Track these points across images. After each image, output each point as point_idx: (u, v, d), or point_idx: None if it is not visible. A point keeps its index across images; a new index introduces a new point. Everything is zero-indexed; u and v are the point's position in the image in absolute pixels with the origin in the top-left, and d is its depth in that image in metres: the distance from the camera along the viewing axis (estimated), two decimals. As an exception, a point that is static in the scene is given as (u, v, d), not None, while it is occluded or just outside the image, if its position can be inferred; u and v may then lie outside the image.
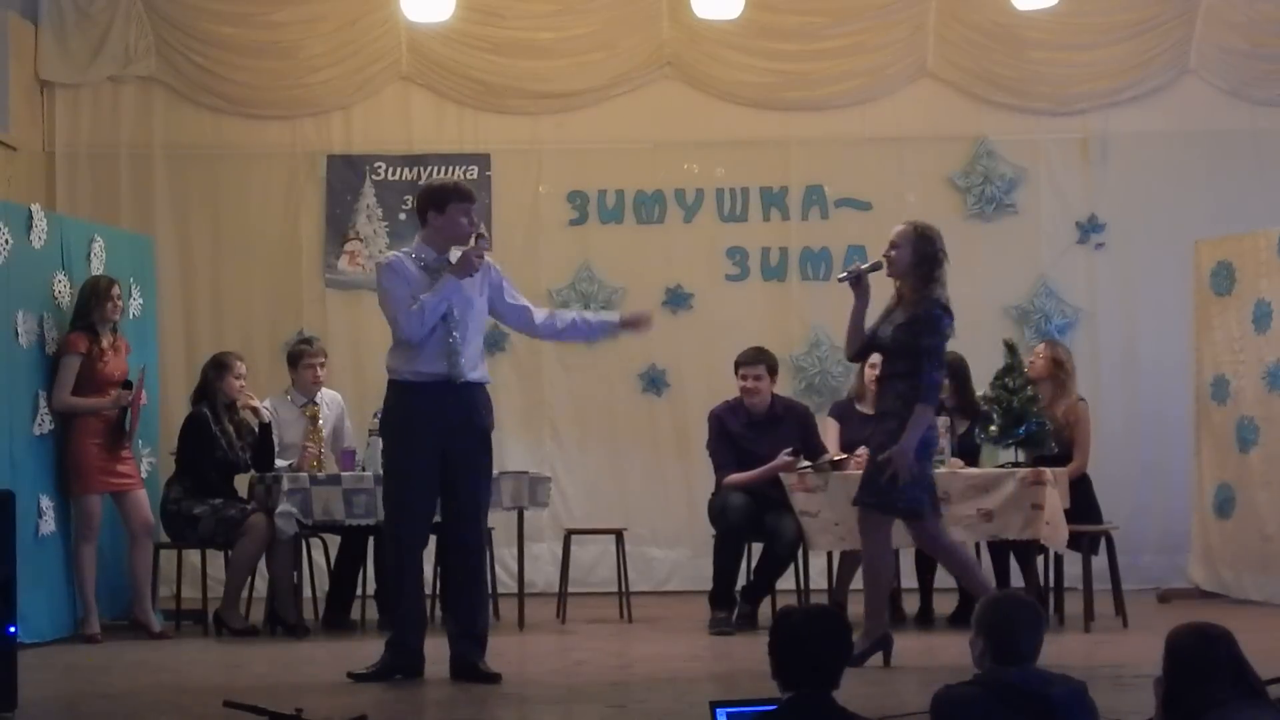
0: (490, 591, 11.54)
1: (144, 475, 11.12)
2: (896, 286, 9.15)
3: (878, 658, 8.95)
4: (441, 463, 8.53)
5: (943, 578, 11.30)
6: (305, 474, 10.82)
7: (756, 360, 11.19)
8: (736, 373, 11.19)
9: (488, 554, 9.25)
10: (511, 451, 13.20)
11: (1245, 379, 12.24)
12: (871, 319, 9.19)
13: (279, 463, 11.15)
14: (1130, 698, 7.05)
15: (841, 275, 9.39)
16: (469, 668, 8.51)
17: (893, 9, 13.72)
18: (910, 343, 8.92)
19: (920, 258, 9.03)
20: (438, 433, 8.52)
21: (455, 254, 8.65)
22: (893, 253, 9.05)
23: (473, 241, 8.71)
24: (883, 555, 9.22)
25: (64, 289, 10.75)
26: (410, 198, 13.58)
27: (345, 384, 12.59)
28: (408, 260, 8.68)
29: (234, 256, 13.66)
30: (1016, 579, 11.02)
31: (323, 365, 11.73)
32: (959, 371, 11.36)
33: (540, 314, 9.07)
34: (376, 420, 11.33)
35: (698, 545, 12.38)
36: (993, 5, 13.30)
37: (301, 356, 11.63)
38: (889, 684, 8.36)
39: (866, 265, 9.35)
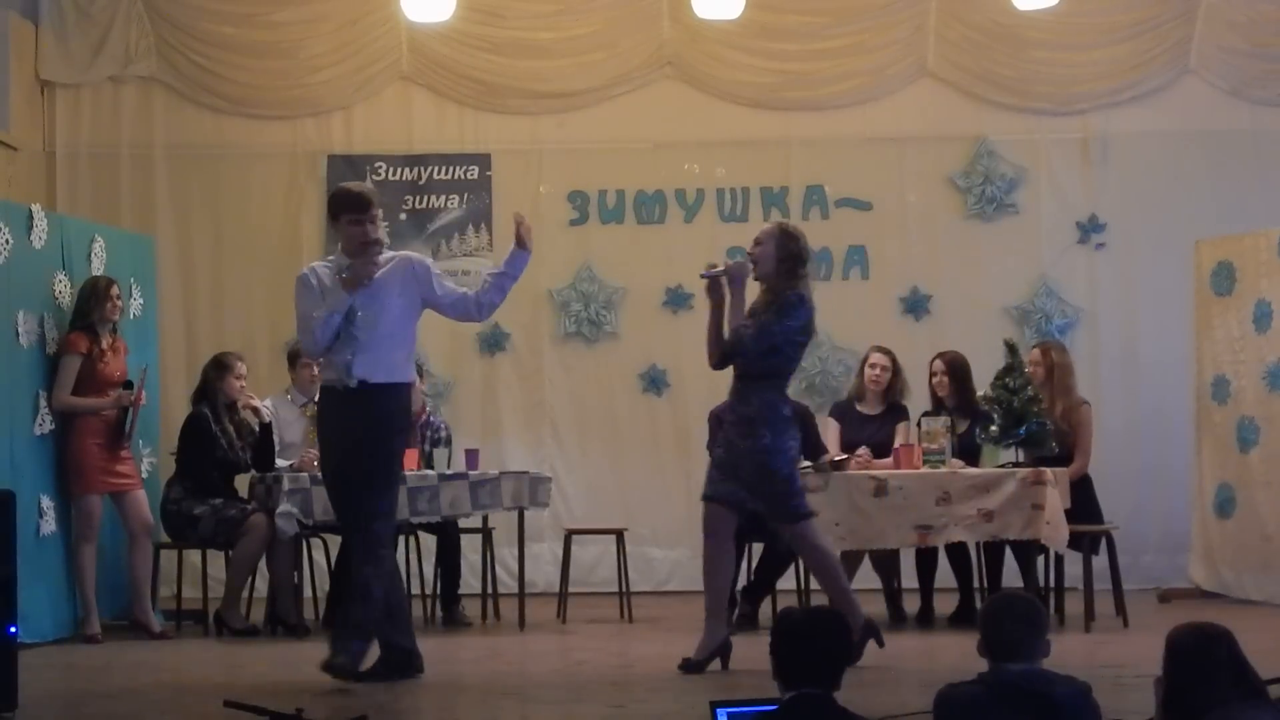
0: (490, 590, 11.61)
1: (144, 475, 11.12)
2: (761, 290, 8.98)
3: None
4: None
5: (943, 578, 11.32)
6: (306, 474, 10.81)
7: None
8: None
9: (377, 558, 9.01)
10: (512, 451, 13.22)
11: (1246, 379, 12.24)
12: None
13: (279, 463, 11.15)
14: (1131, 698, 7.05)
15: (702, 273, 9.23)
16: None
17: (893, 9, 13.72)
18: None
19: (785, 255, 8.89)
20: (337, 437, 8.57)
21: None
22: (756, 249, 8.95)
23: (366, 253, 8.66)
24: (726, 556, 9.16)
25: (65, 289, 10.75)
26: (411, 198, 13.62)
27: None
28: (323, 270, 8.66)
29: (235, 256, 13.66)
30: (1015, 579, 11.01)
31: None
32: (959, 371, 11.37)
33: (473, 292, 8.93)
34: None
35: (698, 545, 12.30)
36: (993, 5, 13.30)
37: (299, 355, 11.63)
38: (889, 684, 8.35)
39: (721, 269, 9.12)
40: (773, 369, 8.90)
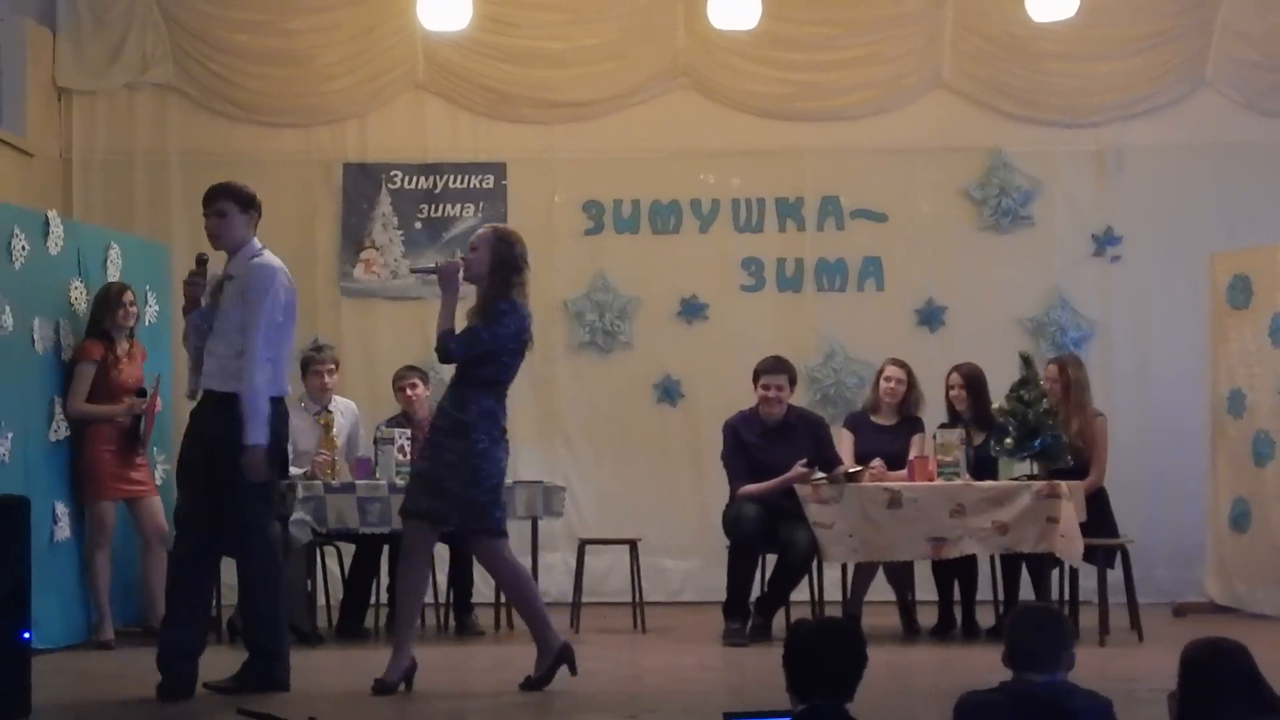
0: (503, 600, 11.59)
1: (158, 482, 11.13)
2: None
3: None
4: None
5: (960, 590, 11.29)
6: (319, 482, 10.82)
7: (778, 370, 11.15)
8: (757, 381, 11.14)
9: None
10: (525, 461, 13.20)
11: (1261, 392, 12.21)
12: None
13: (293, 470, 11.15)
14: (1145, 712, 7.04)
15: (412, 268, 9.19)
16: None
17: (908, 20, 13.71)
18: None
19: (499, 261, 8.61)
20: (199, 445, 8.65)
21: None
22: (471, 254, 8.71)
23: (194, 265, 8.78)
24: (423, 579, 8.90)
25: (80, 296, 10.78)
26: (426, 206, 13.63)
27: (360, 393, 12.59)
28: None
29: (249, 264, 13.64)
30: (1029, 593, 10.99)
31: (331, 373, 11.73)
32: (976, 384, 11.36)
33: None
34: (382, 429, 11.41)
35: (711, 556, 12.36)
36: (1008, 17, 13.29)
37: (311, 363, 11.65)
38: (903, 697, 8.34)
39: (432, 267, 9.12)
40: (489, 376, 8.61)
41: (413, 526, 8.64)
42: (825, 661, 4.86)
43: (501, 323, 8.52)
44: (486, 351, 8.53)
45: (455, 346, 8.51)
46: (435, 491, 8.51)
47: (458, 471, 8.47)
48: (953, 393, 11.39)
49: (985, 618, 11.20)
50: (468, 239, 13.37)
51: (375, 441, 11.46)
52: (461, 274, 8.63)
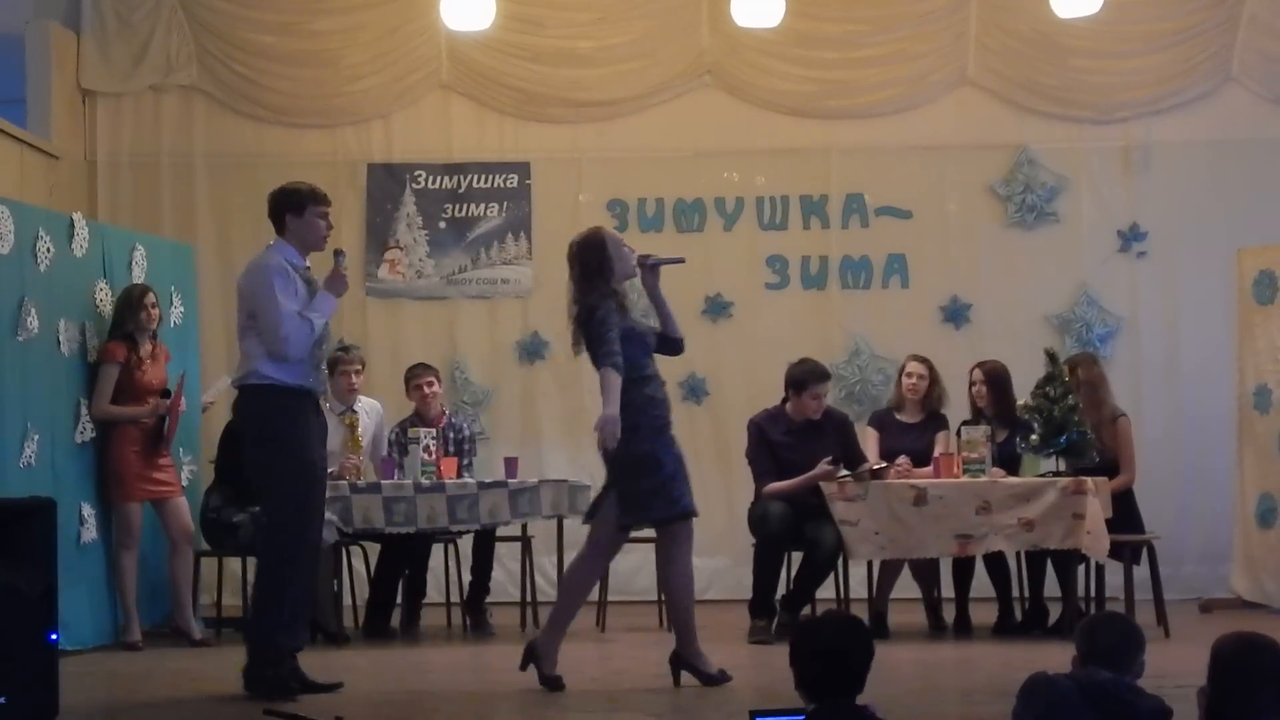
0: (529, 599, 11.60)
1: (185, 483, 11.16)
2: None
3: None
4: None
5: (980, 588, 11.26)
6: (345, 482, 10.83)
7: (823, 378, 11.10)
8: (802, 389, 11.01)
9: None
10: (551, 459, 13.22)
11: (1288, 388, 12.18)
12: None
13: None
14: (1173, 708, 7.01)
15: (656, 260, 9.20)
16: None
17: (933, 17, 13.69)
18: None
19: None
20: (317, 441, 8.59)
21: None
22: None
23: (334, 260, 8.75)
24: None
25: (105, 297, 10.80)
26: (451, 206, 13.63)
27: (386, 393, 12.59)
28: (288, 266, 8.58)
29: (275, 265, 13.66)
30: (1056, 589, 10.96)
31: (358, 373, 11.74)
32: (999, 380, 11.34)
33: None
34: (402, 433, 11.42)
35: (737, 554, 12.37)
36: (1034, 13, 13.26)
37: (338, 364, 11.65)
38: (926, 695, 8.33)
39: (679, 258, 9.61)
40: None
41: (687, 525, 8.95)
42: (835, 658, 4.85)
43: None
44: None
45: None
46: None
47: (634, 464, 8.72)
48: (975, 389, 11.37)
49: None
50: (492, 239, 13.46)
51: (393, 443, 11.47)
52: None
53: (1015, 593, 11.30)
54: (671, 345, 9.13)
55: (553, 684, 8.50)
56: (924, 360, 11.56)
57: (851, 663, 4.84)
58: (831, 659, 4.83)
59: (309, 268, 8.68)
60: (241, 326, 8.55)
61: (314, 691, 8.27)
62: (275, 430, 8.39)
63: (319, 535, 8.72)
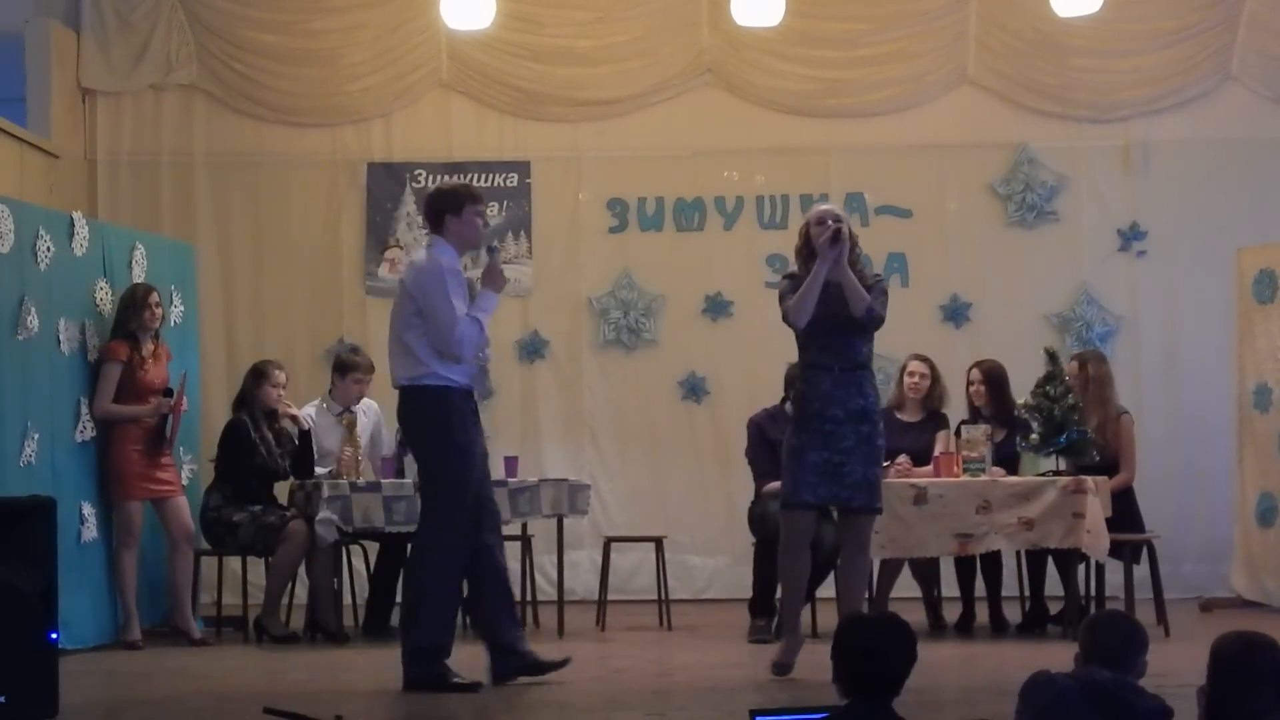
0: (529, 598, 11.61)
1: (185, 482, 11.15)
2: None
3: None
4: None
5: (982, 587, 11.26)
6: (345, 481, 10.83)
7: None
8: None
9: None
10: (551, 459, 13.22)
11: (1287, 387, 12.18)
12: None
13: (318, 470, 11.17)
14: (1173, 708, 7.01)
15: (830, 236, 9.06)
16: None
17: (933, 16, 13.69)
18: None
19: (853, 236, 9.00)
20: (477, 440, 8.61)
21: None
22: (834, 227, 8.86)
23: (485, 255, 8.76)
24: (807, 560, 9.20)
25: (105, 296, 10.79)
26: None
27: (386, 392, 12.52)
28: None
29: (275, 264, 13.68)
30: (1056, 588, 10.97)
31: (368, 382, 11.73)
32: (997, 380, 11.35)
33: None
34: (399, 433, 11.41)
35: (737, 553, 12.37)
36: (1034, 12, 13.26)
37: (352, 369, 11.62)
38: (926, 694, 8.32)
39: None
40: (871, 354, 9.10)
41: (794, 520, 8.98)
42: (876, 659, 4.84)
43: (887, 294, 9.02)
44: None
45: (883, 315, 8.93)
46: (835, 478, 8.82)
47: (857, 454, 8.81)
48: (973, 389, 11.37)
49: (1011, 614, 11.19)
50: (494, 237, 13.47)
51: (400, 443, 11.46)
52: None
53: (1015, 592, 11.31)
54: None
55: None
56: (926, 360, 11.55)
57: (891, 664, 4.83)
58: (872, 659, 4.82)
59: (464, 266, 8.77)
60: (404, 323, 8.62)
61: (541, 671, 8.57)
62: (447, 432, 8.50)
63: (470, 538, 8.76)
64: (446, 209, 8.69)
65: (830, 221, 8.88)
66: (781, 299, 9.01)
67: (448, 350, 8.42)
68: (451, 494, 8.49)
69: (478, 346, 8.56)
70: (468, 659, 8.63)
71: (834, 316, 8.83)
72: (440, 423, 8.50)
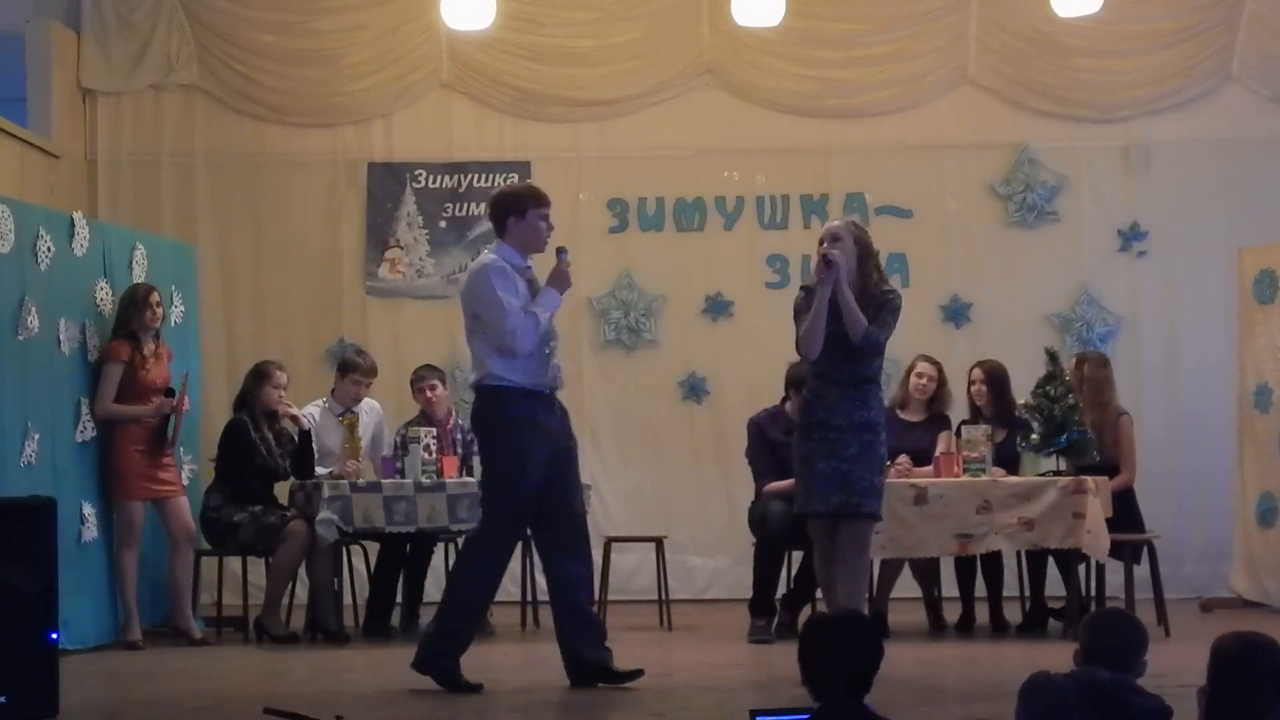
0: (529, 598, 11.61)
1: (185, 482, 11.15)
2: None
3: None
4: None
5: (983, 587, 11.26)
6: (346, 481, 10.83)
7: None
8: (803, 389, 10.91)
9: None
10: (551, 459, 13.20)
11: (1288, 387, 12.18)
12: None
13: (318, 470, 11.17)
14: (1174, 708, 7.01)
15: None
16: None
17: (934, 16, 13.69)
18: None
19: (865, 250, 8.94)
20: (548, 441, 8.58)
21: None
22: (831, 249, 8.80)
23: (557, 257, 8.77)
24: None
25: (106, 296, 10.79)
26: (451, 205, 13.62)
27: (386, 392, 12.56)
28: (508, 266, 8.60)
29: (275, 264, 13.68)
30: (1058, 588, 10.96)
31: (369, 385, 11.74)
32: (998, 380, 11.33)
33: None
34: (406, 431, 11.41)
35: (738, 553, 12.37)
36: (1034, 12, 13.26)
37: (353, 370, 11.66)
38: (926, 694, 8.32)
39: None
40: (879, 369, 9.06)
41: (817, 530, 8.99)
42: (840, 657, 4.84)
43: (898, 311, 8.91)
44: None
45: (883, 338, 8.87)
46: (844, 486, 8.77)
47: (861, 461, 8.79)
48: (974, 389, 11.37)
49: (1011, 614, 11.19)
50: (493, 238, 13.44)
51: (401, 443, 11.46)
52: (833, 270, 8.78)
53: (1015, 592, 11.31)
54: None
55: None
56: (934, 362, 11.53)
57: (859, 662, 4.82)
58: (839, 658, 4.82)
59: (530, 268, 8.73)
60: (469, 329, 8.66)
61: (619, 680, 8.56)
62: (498, 431, 8.52)
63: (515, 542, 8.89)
64: (510, 211, 8.67)
65: (824, 244, 8.88)
66: (796, 315, 8.97)
67: (504, 345, 8.41)
68: (499, 494, 8.51)
69: (535, 340, 8.46)
70: (470, 659, 8.62)
71: (843, 333, 8.81)
72: (494, 422, 8.52)
